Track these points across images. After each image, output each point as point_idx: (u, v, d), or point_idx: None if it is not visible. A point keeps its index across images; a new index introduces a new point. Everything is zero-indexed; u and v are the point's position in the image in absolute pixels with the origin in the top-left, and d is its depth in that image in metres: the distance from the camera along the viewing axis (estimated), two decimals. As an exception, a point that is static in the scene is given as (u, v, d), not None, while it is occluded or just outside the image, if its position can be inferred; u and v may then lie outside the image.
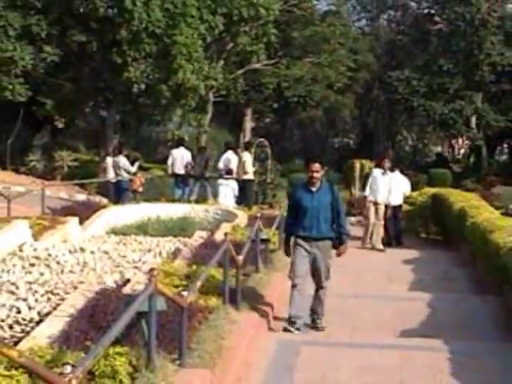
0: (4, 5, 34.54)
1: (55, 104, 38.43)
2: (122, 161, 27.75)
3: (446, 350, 10.62)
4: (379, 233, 21.88)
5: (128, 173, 27.49)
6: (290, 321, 11.65)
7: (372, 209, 21.85)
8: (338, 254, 12.20)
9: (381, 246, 21.65)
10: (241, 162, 28.18)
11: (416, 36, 58.16)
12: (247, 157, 28.71)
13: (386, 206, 21.87)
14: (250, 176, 28.40)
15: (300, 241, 11.87)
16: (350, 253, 12.73)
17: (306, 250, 11.82)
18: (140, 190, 27.79)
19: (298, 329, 11.57)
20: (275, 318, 12.20)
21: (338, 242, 12.06)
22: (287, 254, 12.43)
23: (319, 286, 12.05)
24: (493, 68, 55.60)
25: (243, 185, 27.82)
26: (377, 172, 22.27)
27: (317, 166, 11.76)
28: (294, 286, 11.78)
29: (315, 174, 11.75)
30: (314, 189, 11.83)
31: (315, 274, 11.96)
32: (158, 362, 7.45)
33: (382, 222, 22.08)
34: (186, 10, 35.47)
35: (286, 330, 11.61)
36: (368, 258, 20.28)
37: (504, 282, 14.45)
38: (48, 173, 37.80)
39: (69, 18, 35.49)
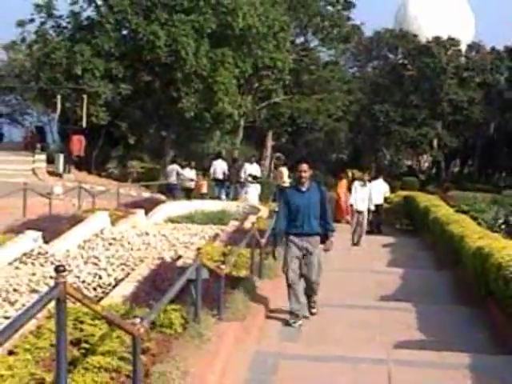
0: (92, 53, 34.77)
1: (128, 126, 38.58)
2: (187, 171, 28.03)
3: (414, 310, 10.59)
4: (362, 233, 20.03)
5: (180, 179, 27.72)
6: (293, 314, 9.64)
7: (356, 215, 20.16)
8: (325, 250, 9.97)
9: (360, 243, 19.80)
10: (284, 173, 27.98)
11: (393, 79, 58.00)
12: (285, 170, 28.39)
13: (369, 210, 20.92)
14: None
15: (292, 237, 9.66)
16: (342, 238, 12.70)
17: (297, 245, 9.62)
18: (205, 191, 27.92)
19: (299, 324, 9.56)
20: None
21: (325, 237, 9.85)
22: (274, 255, 11.00)
23: (311, 282, 9.73)
24: (450, 103, 55.51)
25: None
26: (357, 184, 20.58)
27: (305, 166, 9.61)
28: (289, 284, 9.64)
29: (303, 174, 9.59)
30: (303, 188, 9.65)
31: (307, 269, 9.65)
32: (203, 316, 7.47)
33: (365, 226, 20.39)
34: (224, 59, 35.61)
35: (287, 324, 9.60)
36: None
37: (456, 261, 14.43)
38: (122, 176, 37.84)
39: (139, 63, 35.68)
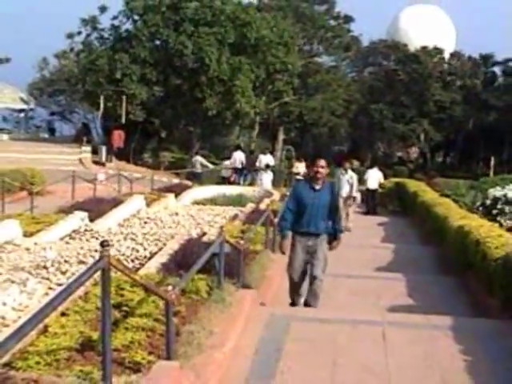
0: (130, 61, 34.88)
1: (160, 122, 38.66)
2: (226, 163, 28.30)
3: (405, 280, 10.59)
4: (345, 218, 17.35)
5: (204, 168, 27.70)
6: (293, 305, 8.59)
7: (340, 200, 18.73)
8: (331, 248, 8.35)
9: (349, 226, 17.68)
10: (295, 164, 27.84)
11: (387, 83, 57.62)
12: (301, 166, 28.30)
13: (368, 190, 20.05)
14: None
15: (298, 236, 8.20)
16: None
17: (302, 244, 8.16)
18: (232, 179, 27.81)
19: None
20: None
21: (333, 237, 8.29)
22: (283, 250, 8.45)
23: (314, 277, 8.16)
24: (435, 103, 55.22)
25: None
26: (339, 172, 18.60)
27: (323, 162, 8.01)
28: (291, 282, 8.46)
29: (321, 170, 7.97)
30: (317, 187, 8.03)
31: (312, 264, 8.19)
32: (225, 284, 7.45)
33: (345, 211, 17.57)
34: (241, 65, 35.64)
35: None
36: (355, 223, 19.90)
37: (441, 238, 14.37)
38: (155, 165, 37.87)
39: (170, 69, 35.76)
